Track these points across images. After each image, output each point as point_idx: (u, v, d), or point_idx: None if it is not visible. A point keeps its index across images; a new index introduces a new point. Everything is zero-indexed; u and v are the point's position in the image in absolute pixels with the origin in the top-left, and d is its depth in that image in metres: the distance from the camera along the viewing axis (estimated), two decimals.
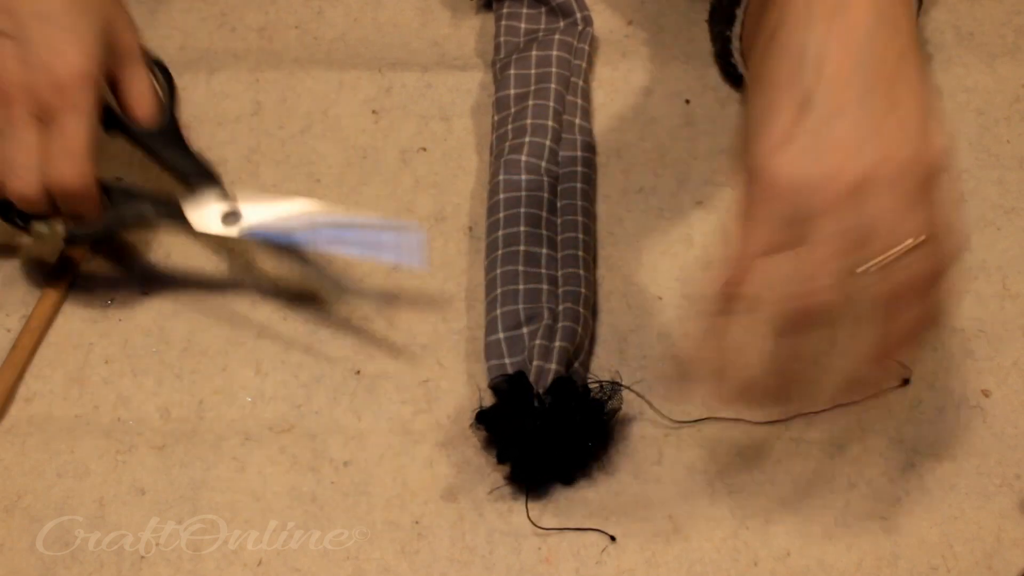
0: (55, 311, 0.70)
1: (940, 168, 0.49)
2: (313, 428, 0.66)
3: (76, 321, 0.70)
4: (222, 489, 0.64)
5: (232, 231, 0.64)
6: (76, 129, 0.62)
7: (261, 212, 0.64)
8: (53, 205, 0.63)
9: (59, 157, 0.62)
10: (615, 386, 0.64)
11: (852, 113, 0.48)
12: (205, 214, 0.64)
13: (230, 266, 0.72)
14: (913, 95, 0.50)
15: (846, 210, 0.47)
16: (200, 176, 0.66)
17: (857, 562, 0.61)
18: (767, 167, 0.48)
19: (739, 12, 0.73)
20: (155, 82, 0.69)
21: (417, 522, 0.63)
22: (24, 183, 0.62)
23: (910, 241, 0.47)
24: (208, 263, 0.72)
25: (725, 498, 0.63)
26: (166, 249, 0.72)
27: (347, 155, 0.76)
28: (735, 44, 0.75)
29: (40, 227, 0.65)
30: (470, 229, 0.73)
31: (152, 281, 0.71)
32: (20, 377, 0.68)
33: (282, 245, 0.63)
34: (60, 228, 0.65)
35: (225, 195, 0.65)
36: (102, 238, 0.65)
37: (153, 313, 0.70)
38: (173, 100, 0.68)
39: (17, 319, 0.70)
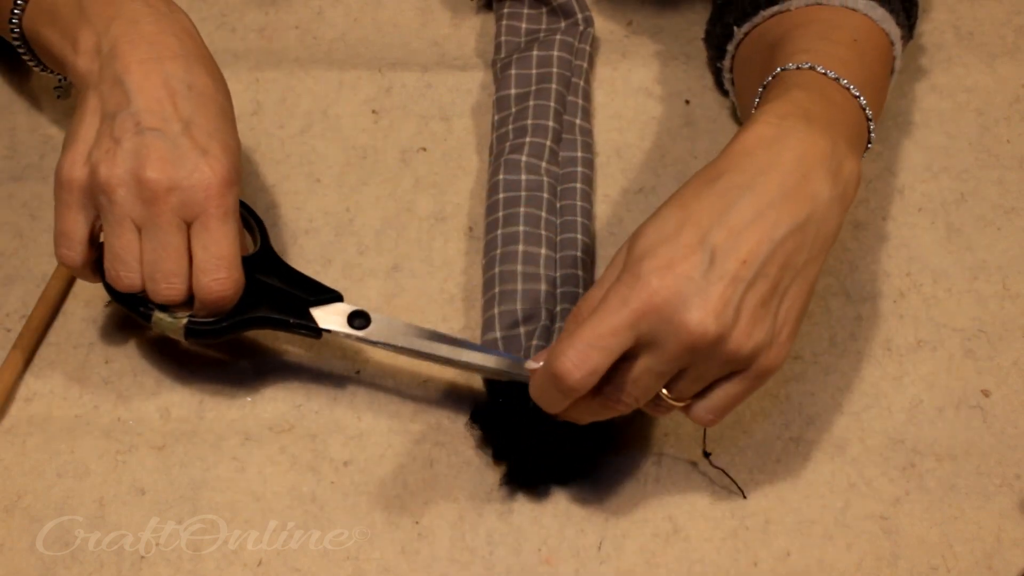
0: (55, 311, 0.70)
1: (764, 376, 0.56)
2: (313, 428, 0.66)
3: (76, 321, 0.70)
4: (222, 489, 0.64)
5: (358, 332, 0.63)
6: (225, 235, 0.61)
7: (384, 323, 0.63)
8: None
9: (210, 265, 0.61)
10: None
11: (731, 285, 0.53)
12: (330, 315, 0.64)
13: None
14: (793, 300, 0.56)
15: (678, 355, 0.54)
16: (315, 289, 0.65)
17: (857, 562, 0.61)
18: (650, 283, 0.53)
19: (730, 48, 0.73)
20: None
21: (417, 522, 0.63)
22: (174, 290, 0.61)
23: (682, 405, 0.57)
24: None
25: (725, 498, 0.63)
26: None
27: (347, 155, 0.76)
28: (726, 76, 0.75)
29: (163, 319, 0.62)
30: (470, 229, 0.73)
31: None
32: (20, 377, 0.68)
33: (405, 350, 0.63)
34: (183, 322, 0.62)
35: (342, 299, 0.65)
36: (222, 336, 0.64)
37: None
38: (263, 227, 0.67)
39: (17, 319, 0.70)
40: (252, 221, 0.67)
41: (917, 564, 0.61)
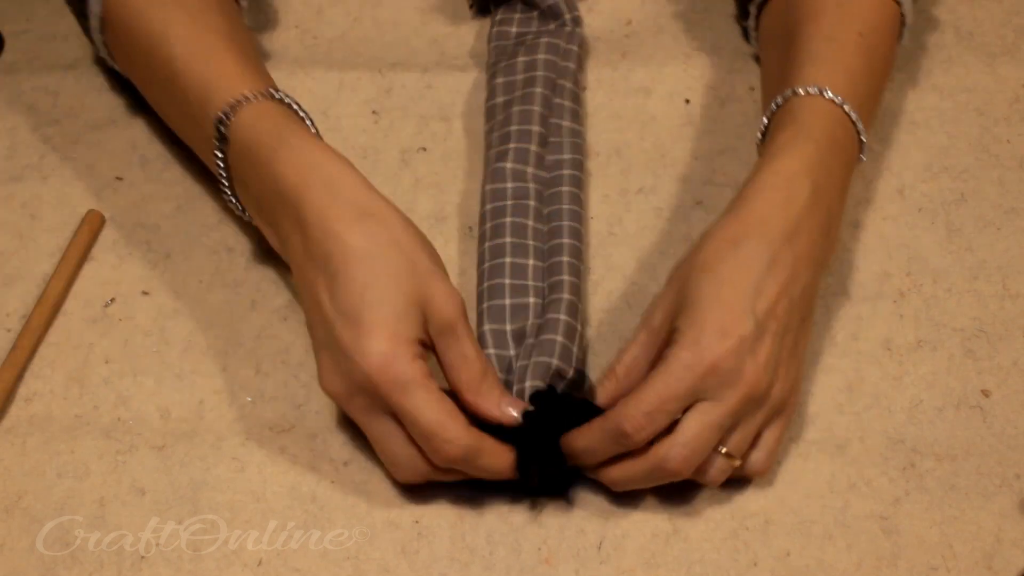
0: (55, 311, 0.70)
1: (792, 414, 0.64)
2: (313, 428, 0.66)
3: (76, 321, 0.70)
4: (222, 489, 0.64)
5: None
6: (415, 411, 0.59)
7: None
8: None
9: (423, 446, 0.60)
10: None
11: (772, 340, 0.60)
12: None
13: (230, 266, 0.72)
14: (803, 346, 0.64)
15: (736, 408, 0.59)
16: None
17: (857, 562, 0.61)
18: (713, 348, 0.59)
19: (752, 10, 0.76)
20: None
21: (417, 522, 0.63)
22: (411, 472, 0.61)
23: (736, 462, 0.61)
24: (208, 263, 0.72)
25: (725, 498, 0.63)
26: (166, 249, 0.72)
27: (347, 155, 0.76)
28: (752, 34, 0.78)
29: None
30: (470, 229, 0.73)
31: (152, 281, 0.71)
32: (20, 377, 0.68)
33: None
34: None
35: None
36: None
37: (153, 313, 0.70)
38: None
39: (17, 319, 0.70)
40: None
41: (917, 564, 0.61)
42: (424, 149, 0.76)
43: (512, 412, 0.61)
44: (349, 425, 0.66)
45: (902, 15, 0.72)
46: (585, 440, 0.60)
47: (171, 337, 0.69)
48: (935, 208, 0.74)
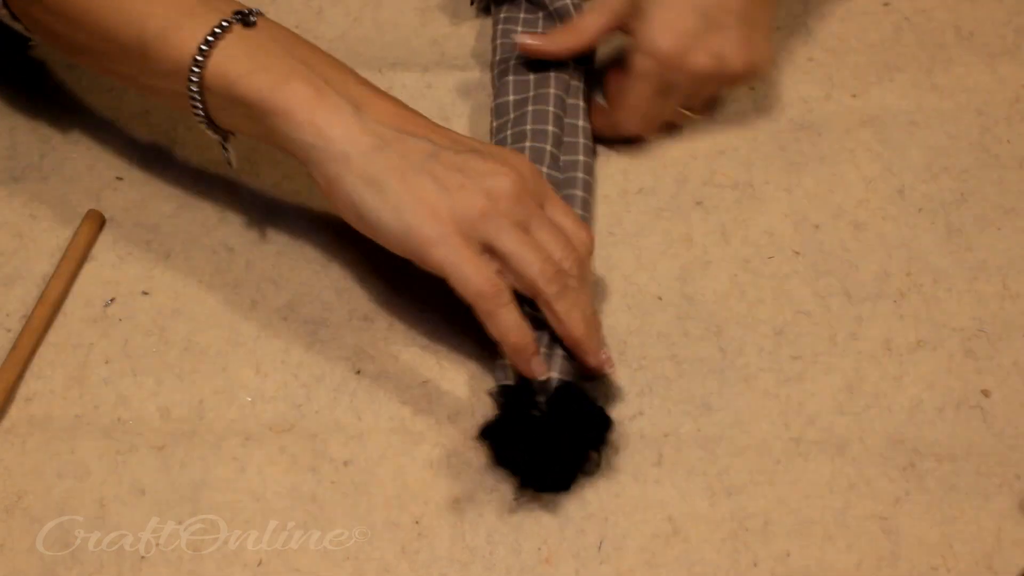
0: (55, 311, 0.70)
1: (759, 73, 0.76)
2: (313, 428, 0.66)
3: (76, 321, 0.70)
4: (222, 489, 0.64)
5: None
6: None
7: None
8: None
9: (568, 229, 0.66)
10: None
11: (731, 29, 0.73)
12: None
13: (230, 266, 0.72)
14: (766, 18, 0.75)
15: (695, 82, 0.74)
16: None
17: (857, 562, 0.61)
18: (664, 48, 0.72)
19: None
20: None
21: (417, 522, 0.63)
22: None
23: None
24: (208, 263, 0.72)
25: (725, 498, 0.63)
26: (166, 249, 0.72)
27: None
28: None
29: None
30: None
31: (152, 281, 0.71)
32: (20, 377, 0.68)
33: None
34: None
35: None
36: None
37: (153, 313, 0.70)
38: None
39: (17, 319, 0.70)
40: None
41: (917, 564, 0.61)
42: None
43: (607, 362, 0.65)
44: (349, 425, 0.66)
45: None
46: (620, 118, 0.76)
47: (171, 337, 0.69)
48: (935, 208, 0.74)
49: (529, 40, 0.74)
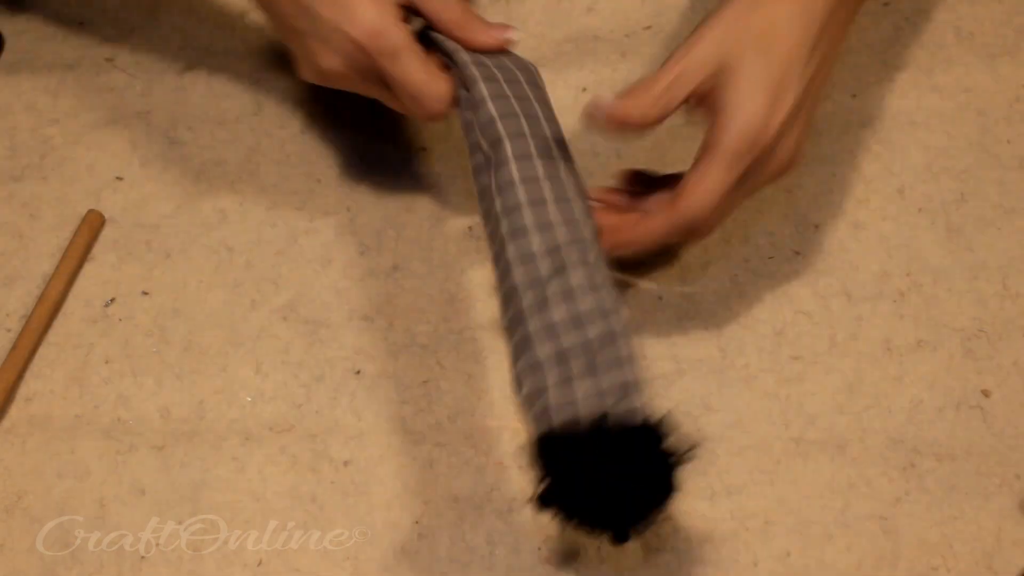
0: (55, 311, 0.70)
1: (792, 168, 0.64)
2: (313, 428, 0.66)
3: (76, 321, 0.70)
4: (222, 489, 0.64)
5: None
6: (404, 74, 0.64)
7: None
8: None
9: (410, 106, 0.65)
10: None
11: (803, 122, 0.63)
12: None
13: (230, 266, 0.72)
14: (813, 105, 0.64)
15: (760, 185, 0.63)
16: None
17: (857, 562, 0.61)
18: (763, 139, 0.61)
19: None
20: None
21: (417, 522, 0.63)
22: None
23: None
24: (208, 263, 0.72)
25: (725, 498, 0.63)
26: (166, 249, 0.72)
27: (347, 155, 0.76)
28: None
29: None
30: (470, 229, 0.73)
31: (152, 281, 0.71)
32: (20, 377, 0.68)
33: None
34: None
35: None
36: None
37: (153, 313, 0.70)
38: None
39: (17, 319, 0.70)
40: None
41: (917, 564, 0.61)
42: (424, 149, 0.76)
43: (502, 35, 0.65)
44: (349, 425, 0.66)
45: None
46: (653, 234, 0.63)
47: (171, 337, 0.69)
48: (935, 208, 0.74)
49: (606, 105, 0.61)
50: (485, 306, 0.70)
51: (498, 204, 0.60)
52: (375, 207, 0.74)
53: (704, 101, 0.62)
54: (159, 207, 0.74)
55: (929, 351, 0.68)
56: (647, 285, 0.71)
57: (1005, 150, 0.76)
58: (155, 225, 0.74)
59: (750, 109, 0.60)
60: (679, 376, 0.67)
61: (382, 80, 0.65)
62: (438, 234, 0.73)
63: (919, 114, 0.78)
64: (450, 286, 0.71)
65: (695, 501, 0.63)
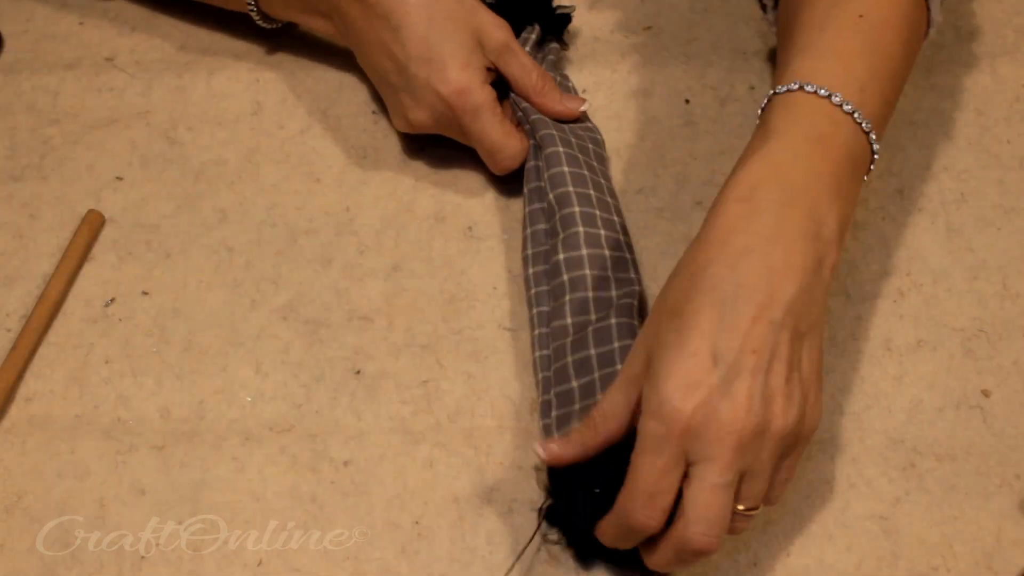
0: (55, 311, 0.70)
1: (809, 439, 0.57)
2: (313, 428, 0.66)
3: (76, 321, 0.70)
4: (222, 489, 0.64)
5: None
6: (482, 131, 0.71)
7: None
8: None
9: (486, 158, 0.73)
10: None
11: (751, 377, 0.54)
12: None
13: (230, 266, 0.72)
14: (810, 364, 0.56)
15: (731, 459, 0.54)
16: None
17: (857, 562, 0.61)
18: (679, 409, 0.54)
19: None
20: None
21: (417, 522, 0.63)
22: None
23: (758, 509, 0.56)
24: (208, 263, 0.72)
25: None
26: (166, 249, 0.72)
27: (347, 155, 0.76)
28: (769, 15, 0.73)
29: None
30: (469, 229, 0.73)
31: (152, 281, 0.71)
32: (20, 377, 0.68)
33: None
34: None
35: None
36: None
37: (153, 313, 0.70)
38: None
39: (17, 319, 0.70)
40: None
41: (917, 564, 0.61)
42: (424, 149, 0.76)
43: (576, 107, 0.73)
44: (349, 425, 0.66)
45: None
46: (608, 535, 0.58)
47: (171, 337, 0.69)
48: (935, 208, 0.74)
49: (550, 447, 0.59)
50: (485, 306, 0.70)
51: (561, 255, 0.67)
52: (375, 207, 0.74)
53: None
54: (159, 207, 0.74)
55: (929, 351, 0.68)
56: (648, 285, 0.71)
57: (1005, 150, 0.76)
58: (155, 225, 0.74)
59: (658, 395, 0.54)
60: None
61: (464, 133, 0.72)
62: (438, 234, 0.73)
63: (919, 114, 0.78)
64: (450, 286, 0.71)
65: None
